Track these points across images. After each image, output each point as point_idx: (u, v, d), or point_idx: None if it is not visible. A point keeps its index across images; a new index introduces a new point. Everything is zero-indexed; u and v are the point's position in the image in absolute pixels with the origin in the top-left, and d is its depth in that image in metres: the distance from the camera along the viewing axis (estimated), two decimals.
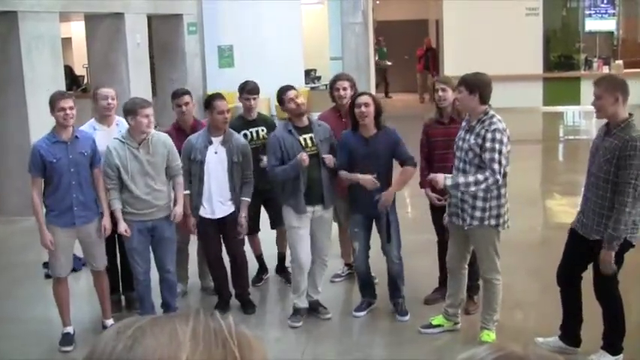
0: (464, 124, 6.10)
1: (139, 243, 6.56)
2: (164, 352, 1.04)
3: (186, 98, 7.31)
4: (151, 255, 6.72)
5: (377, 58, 23.13)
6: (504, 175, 5.86)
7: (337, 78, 7.45)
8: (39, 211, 6.32)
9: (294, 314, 6.89)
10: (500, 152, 5.73)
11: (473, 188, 5.78)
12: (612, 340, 5.79)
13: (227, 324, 1.11)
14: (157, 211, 6.53)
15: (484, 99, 5.87)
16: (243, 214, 6.87)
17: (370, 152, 6.53)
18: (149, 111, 6.33)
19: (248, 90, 7.48)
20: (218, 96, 6.94)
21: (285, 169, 6.54)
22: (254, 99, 7.45)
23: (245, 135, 7.29)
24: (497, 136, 5.74)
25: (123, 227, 6.41)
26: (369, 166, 6.50)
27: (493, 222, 5.96)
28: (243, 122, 7.48)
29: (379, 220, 6.70)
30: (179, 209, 6.63)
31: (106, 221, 6.46)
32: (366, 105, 6.47)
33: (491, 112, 5.87)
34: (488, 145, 5.73)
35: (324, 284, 7.30)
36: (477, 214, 5.94)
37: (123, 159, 6.36)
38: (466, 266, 6.36)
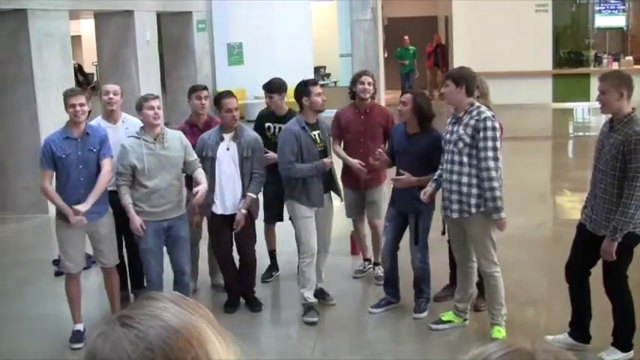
0: (449, 118, 6.23)
1: (155, 244, 6.51)
2: (185, 316, 1.22)
3: (206, 92, 7.43)
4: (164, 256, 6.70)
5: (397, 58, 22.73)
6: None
7: (363, 72, 7.53)
8: (55, 196, 6.32)
9: (308, 310, 6.84)
10: (494, 139, 5.87)
11: (498, 193, 5.90)
12: (622, 337, 5.78)
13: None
14: (172, 208, 6.48)
15: (470, 92, 6.05)
16: (243, 209, 6.79)
17: (407, 148, 6.61)
18: (154, 103, 6.34)
19: (268, 89, 7.50)
20: (227, 94, 6.96)
21: (309, 169, 6.63)
22: (270, 97, 7.45)
23: (268, 127, 7.43)
24: (489, 124, 5.88)
25: (138, 223, 6.32)
26: (404, 161, 6.59)
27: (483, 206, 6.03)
28: (270, 115, 7.54)
29: (410, 220, 6.71)
30: (202, 187, 6.43)
31: (83, 207, 6.25)
32: (404, 103, 6.57)
33: (477, 104, 6.03)
34: (482, 135, 5.86)
35: (343, 279, 7.39)
36: (473, 201, 5.98)
37: (139, 155, 6.34)
38: (473, 259, 6.37)
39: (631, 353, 5.76)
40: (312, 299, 6.85)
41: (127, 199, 6.37)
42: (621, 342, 5.77)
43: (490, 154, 5.84)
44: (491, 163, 5.85)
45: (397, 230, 6.84)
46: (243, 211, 6.79)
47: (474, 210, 5.99)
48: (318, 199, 6.74)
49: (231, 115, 6.74)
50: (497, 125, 5.93)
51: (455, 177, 6.00)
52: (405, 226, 6.82)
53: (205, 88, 7.64)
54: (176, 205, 6.54)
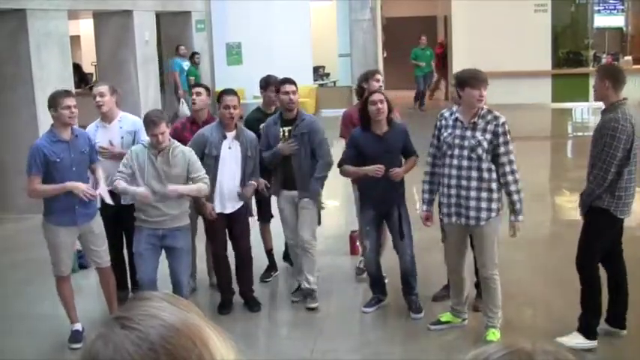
0: (449, 121, 6.08)
1: (146, 250, 6.43)
2: (182, 315, 1.22)
3: (199, 89, 7.54)
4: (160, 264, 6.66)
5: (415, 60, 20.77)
6: None
7: (375, 71, 7.69)
8: (47, 187, 6.26)
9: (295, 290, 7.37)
10: (511, 142, 6.00)
11: (522, 195, 6.08)
12: (587, 322, 5.80)
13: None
14: (168, 220, 6.40)
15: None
16: (249, 190, 6.94)
17: (384, 149, 6.61)
18: (159, 130, 6.16)
19: (272, 84, 7.52)
20: (228, 91, 7.00)
21: (268, 155, 7.01)
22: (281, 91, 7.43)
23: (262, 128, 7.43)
24: (507, 128, 5.95)
25: (143, 191, 6.23)
26: (383, 163, 6.56)
27: (501, 209, 6.11)
28: (261, 114, 7.60)
29: (390, 217, 6.73)
30: (181, 188, 6.35)
31: (102, 189, 6.46)
32: (381, 102, 6.57)
33: (486, 107, 6.00)
34: (502, 139, 5.92)
35: (343, 279, 7.46)
36: (494, 205, 6.03)
37: (141, 162, 6.30)
38: (464, 263, 6.40)
39: (595, 342, 5.80)
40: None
41: (122, 184, 6.27)
42: (586, 327, 5.82)
43: (512, 157, 5.94)
44: (515, 167, 5.95)
45: (377, 231, 6.90)
46: (249, 189, 6.95)
47: (494, 214, 6.02)
48: (276, 191, 7.18)
49: (228, 112, 6.75)
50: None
51: (474, 183, 5.97)
52: (382, 225, 6.89)
53: (200, 85, 7.80)
54: (174, 218, 6.43)
